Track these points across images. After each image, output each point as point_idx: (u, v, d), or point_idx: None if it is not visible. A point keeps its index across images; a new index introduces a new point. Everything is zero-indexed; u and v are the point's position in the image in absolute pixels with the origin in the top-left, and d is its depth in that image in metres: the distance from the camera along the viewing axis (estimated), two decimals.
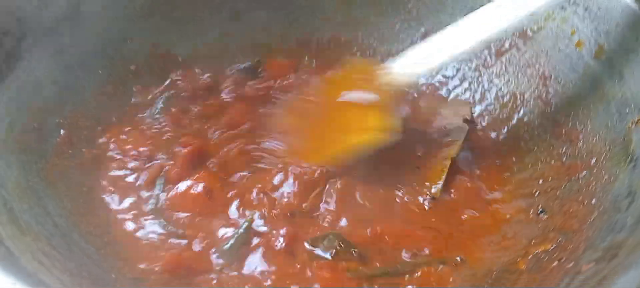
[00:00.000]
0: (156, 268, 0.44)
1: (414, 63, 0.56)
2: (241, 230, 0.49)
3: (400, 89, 0.56)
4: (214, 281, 0.45)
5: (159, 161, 0.53)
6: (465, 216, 0.52)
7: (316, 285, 0.46)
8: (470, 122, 0.62)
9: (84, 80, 0.57)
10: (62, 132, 0.53)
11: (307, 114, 0.58)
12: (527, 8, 0.53)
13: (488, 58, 0.64)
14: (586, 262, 0.40)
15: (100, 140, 0.55)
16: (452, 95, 0.65)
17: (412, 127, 0.60)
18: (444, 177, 0.55)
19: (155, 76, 0.62)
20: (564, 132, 0.56)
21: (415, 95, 0.65)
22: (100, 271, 0.41)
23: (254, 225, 0.49)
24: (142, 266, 0.44)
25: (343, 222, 0.51)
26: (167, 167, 0.53)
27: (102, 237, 0.46)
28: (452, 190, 0.54)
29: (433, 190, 0.54)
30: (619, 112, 0.51)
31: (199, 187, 0.50)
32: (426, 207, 0.53)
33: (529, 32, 0.61)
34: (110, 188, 0.51)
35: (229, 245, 0.48)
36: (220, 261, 0.47)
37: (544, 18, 0.60)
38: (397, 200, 0.53)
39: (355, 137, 0.54)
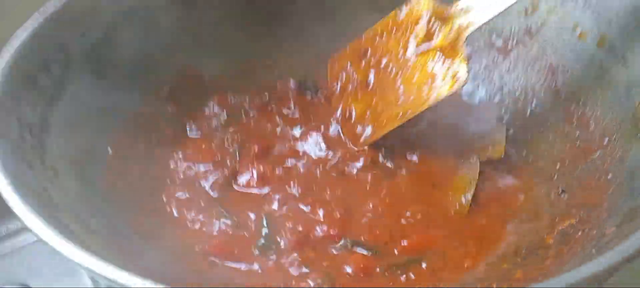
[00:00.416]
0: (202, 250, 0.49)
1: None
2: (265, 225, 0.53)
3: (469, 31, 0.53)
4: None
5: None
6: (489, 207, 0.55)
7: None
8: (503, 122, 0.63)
9: (121, 102, 0.60)
10: (109, 150, 0.56)
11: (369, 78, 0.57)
12: None
13: (497, 56, 0.68)
14: (609, 227, 0.43)
15: (152, 156, 0.59)
16: (465, 97, 0.68)
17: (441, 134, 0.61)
18: (474, 186, 0.55)
19: (187, 97, 0.65)
20: (575, 118, 0.59)
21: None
22: (165, 269, 0.45)
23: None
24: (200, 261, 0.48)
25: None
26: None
27: (160, 240, 0.50)
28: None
29: (463, 201, 0.54)
30: (626, 93, 0.54)
31: (255, 174, 0.55)
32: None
33: (533, 28, 0.65)
34: (172, 197, 0.55)
35: (262, 239, 0.52)
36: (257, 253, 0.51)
37: (547, 12, 0.63)
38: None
39: (426, 94, 0.53)
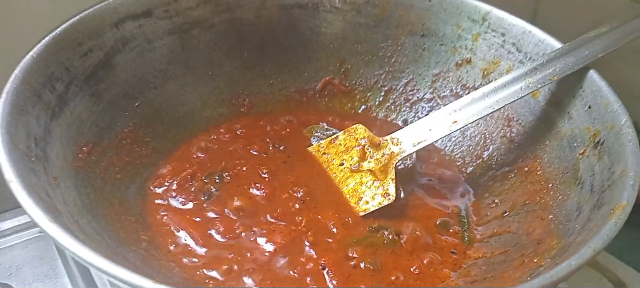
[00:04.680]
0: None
1: (416, 136, 0.64)
2: None
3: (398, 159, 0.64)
4: None
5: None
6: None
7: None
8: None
9: (115, 119, 0.65)
10: (103, 163, 0.60)
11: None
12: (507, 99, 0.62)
13: None
14: (545, 258, 0.50)
15: (138, 171, 0.64)
16: None
17: None
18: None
19: (175, 122, 0.71)
20: (526, 164, 0.65)
21: None
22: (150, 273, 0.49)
23: None
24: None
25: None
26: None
27: (149, 250, 0.54)
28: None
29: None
30: (570, 145, 0.61)
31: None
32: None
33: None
34: (157, 208, 0.61)
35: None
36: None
37: (506, 70, 0.70)
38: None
39: (363, 204, 0.63)
